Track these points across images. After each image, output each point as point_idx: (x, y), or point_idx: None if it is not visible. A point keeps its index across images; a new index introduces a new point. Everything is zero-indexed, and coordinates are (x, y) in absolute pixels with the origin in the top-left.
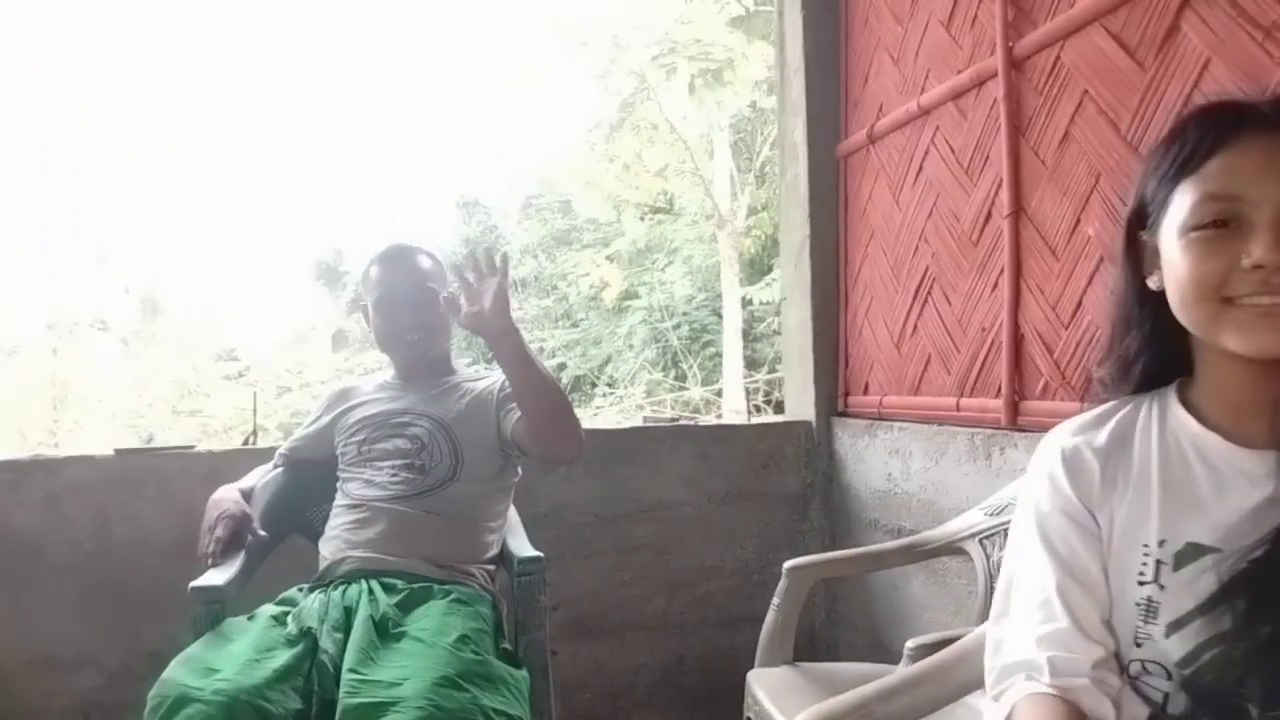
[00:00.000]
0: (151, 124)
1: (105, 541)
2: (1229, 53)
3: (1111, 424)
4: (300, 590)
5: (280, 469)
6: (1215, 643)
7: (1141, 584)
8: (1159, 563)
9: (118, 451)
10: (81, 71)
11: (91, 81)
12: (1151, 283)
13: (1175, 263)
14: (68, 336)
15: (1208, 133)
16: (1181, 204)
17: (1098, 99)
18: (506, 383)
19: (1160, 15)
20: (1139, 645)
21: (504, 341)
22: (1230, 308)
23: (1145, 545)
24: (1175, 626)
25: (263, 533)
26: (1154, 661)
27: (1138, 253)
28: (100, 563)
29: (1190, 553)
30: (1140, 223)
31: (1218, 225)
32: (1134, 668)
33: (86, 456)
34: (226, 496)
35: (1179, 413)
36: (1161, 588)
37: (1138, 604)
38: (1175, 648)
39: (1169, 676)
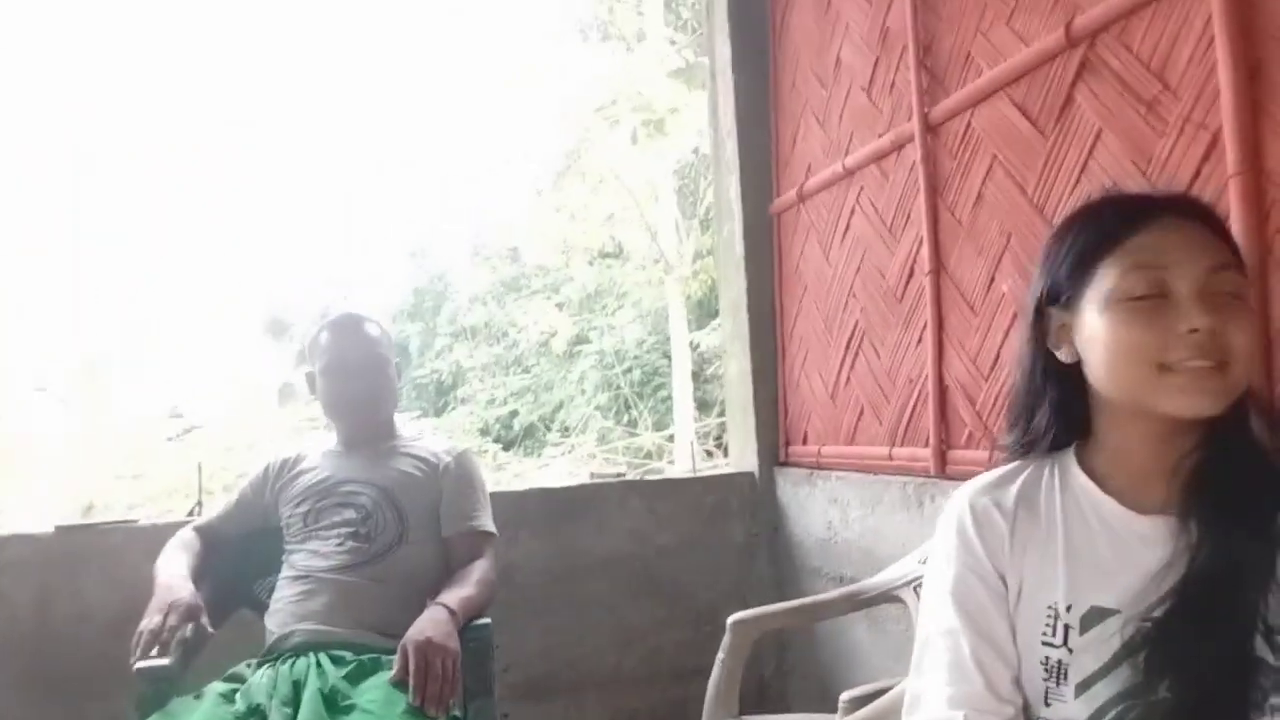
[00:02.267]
0: (96, 171)
1: (46, 619)
2: (1117, 123)
3: (1016, 485)
4: (248, 665)
5: (212, 542)
6: (1118, 701)
7: (1047, 644)
8: (1067, 627)
9: (58, 528)
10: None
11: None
12: (1062, 355)
13: (1104, 333)
14: (4, 398)
15: (1128, 214)
16: (1107, 276)
17: (1005, 163)
18: (450, 472)
19: (1056, 87)
20: (1048, 705)
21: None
22: (1167, 373)
23: (1050, 607)
24: (1083, 687)
25: (211, 630)
26: None
27: (1044, 328)
28: (40, 641)
29: (1094, 616)
30: (1052, 300)
31: (1149, 296)
32: None
33: (26, 535)
34: (179, 584)
35: (1080, 478)
36: (1070, 651)
37: (1044, 664)
38: (1082, 709)
39: None
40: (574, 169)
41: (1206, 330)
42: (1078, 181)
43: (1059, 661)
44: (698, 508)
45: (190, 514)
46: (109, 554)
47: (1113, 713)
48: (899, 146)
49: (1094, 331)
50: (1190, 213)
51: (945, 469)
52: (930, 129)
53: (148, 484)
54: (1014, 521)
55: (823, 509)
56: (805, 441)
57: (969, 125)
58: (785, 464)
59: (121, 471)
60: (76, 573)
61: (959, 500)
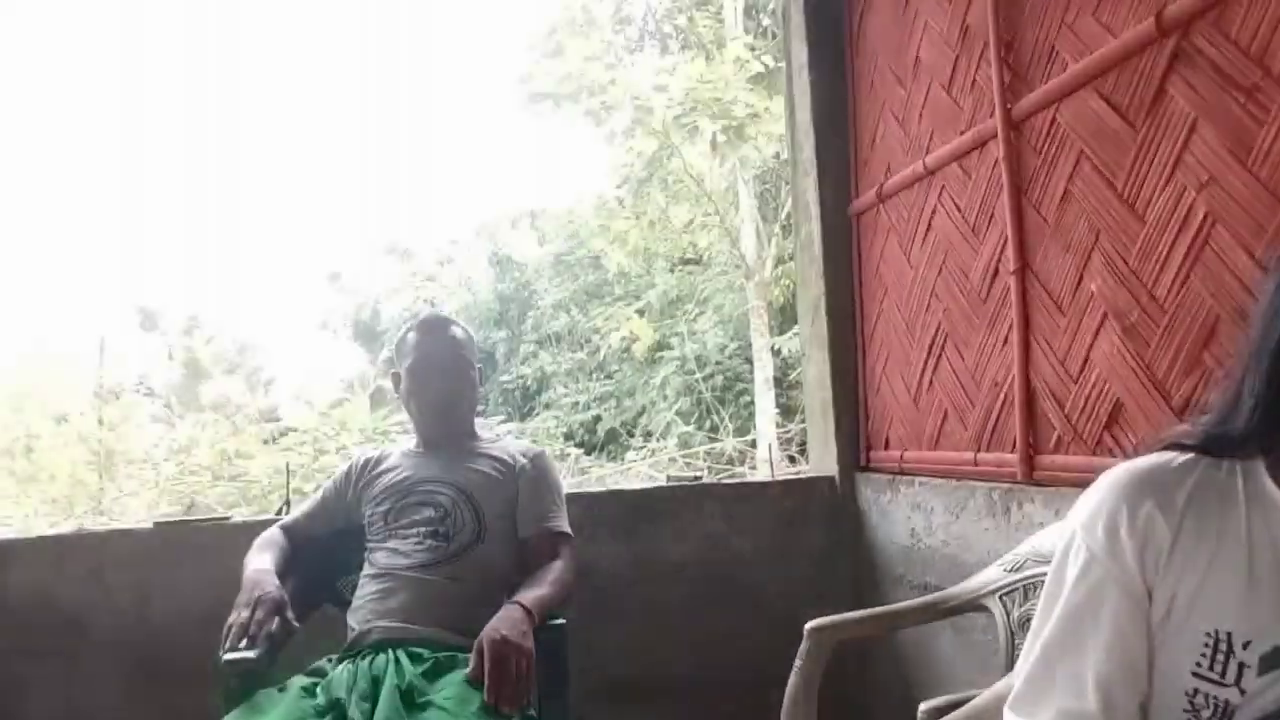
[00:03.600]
0: (190, 185)
1: (145, 614)
2: (1214, 113)
3: (1189, 485)
4: (329, 661)
5: (298, 540)
6: None
7: (1202, 677)
8: (1242, 665)
9: (156, 524)
10: (116, 133)
11: (127, 142)
12: None
13: None
14: (113, 402)
15: None
16: None
17: (1093, 158)
18: (526, 473)
19: (1147, 79)
20: None
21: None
22: None
23: (1210, 635)
24: None
25: (296, 624)
26: None
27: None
28: (140, 635)
29: (1276, 657)
30: None
31: None
32: None
33: (127, 530)
34: (265, 579)
35: (1272, 492)
36: (1242, 692)
37: (1192, 696)
38: None
39: None
40: (655, 176)
41: None
42: (1171, 175)
43: (1224, 701)
44: (776, 513)
45: (278, 513)
46: (203, 550)
47: None
48: (981, 144)
49: None
50: None
51: (1033, 475)
52: (1013, 125)
53: (246, 485)
54: (1179, 531)
55: (905, 515)
56: (887, 446)
57: (1054, 120)
58: (866, 469)
59: (221, 472)
60: (173, 568)
61: (1114, 490)
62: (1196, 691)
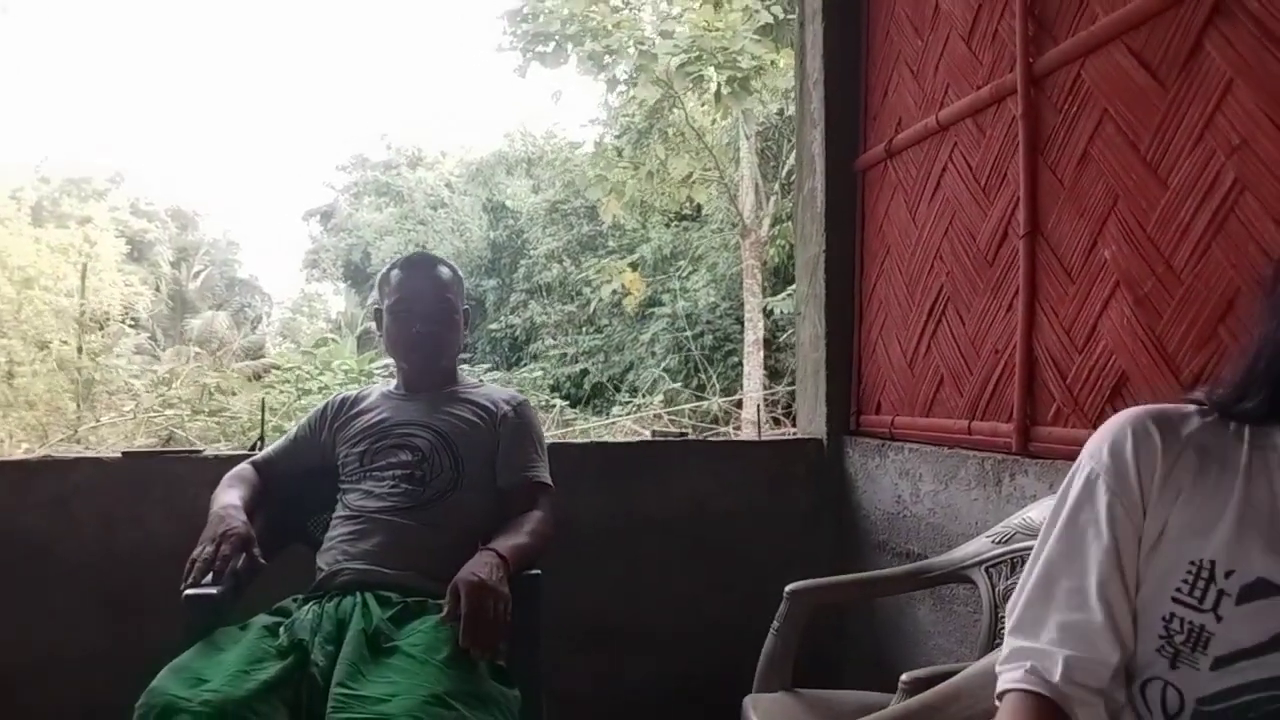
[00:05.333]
0: (190, 119)
1: (111, 544)
2: (1253, 73)
3: (1193, 426)
4: (295, 601)
5: (269, 477)
6: (1260, 688)
7: (1180, 602)
8: (1221, 592)
9: (125, 454)
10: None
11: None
12: None
13: None
14: (97, 332)
15: None
16: None
17: (1117, 118)
18: (508, 422)
19: (1183, 34)
20: (1175, 668)
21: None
22: None
23: (1194, 563)
24: (1224, 661)
25: (263, 560)
26: (1175, 687)
27: None
28: (106, 565)
29: (1259, 588)
30: None
31: None
32: (1153, 686)
33: (95, 458)
34: (232, 515)
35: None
36: (1219, 619)
37: (1167, 621)
38: (1215, 682)
39: (1182, 707)
40: (656, 128)
41: None
42: (1199, 138)
43: (1199, 627)
44: (761, 473)
45: (252, 449)
46: (173, 482)
47: (1252, 696)
48: (999, 99)
49: None
50: None
51: (1028, 446)
52: (1034, 81)
53: (227, 420)
54: (1176, 460)
55: (893, 481)
56: (878, 410)
57: (1078, 77)
58: (855, 433)
59: (201, 407)
60: (142, 500)
61: (1120, 420)
62: (1173, 616)
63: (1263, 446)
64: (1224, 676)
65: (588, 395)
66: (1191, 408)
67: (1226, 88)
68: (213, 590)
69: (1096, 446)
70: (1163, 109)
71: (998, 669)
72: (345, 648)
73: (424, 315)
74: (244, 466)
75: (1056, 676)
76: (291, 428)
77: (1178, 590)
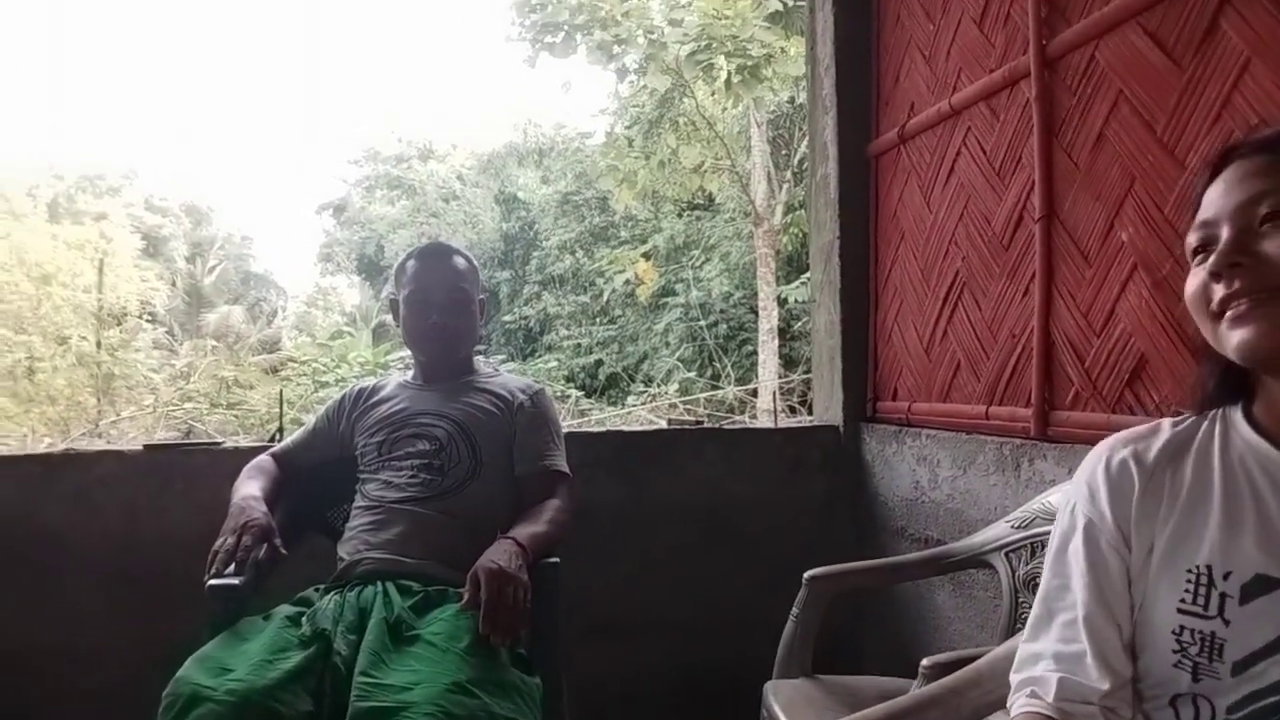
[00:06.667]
0: (208, 111)
1: (132, 535)
2: (1270, 51)
3: (1164, 438)
4: (317, 590)
5: (288, 468)
6: None
7: (1187, 613)
8: (1224, 596)
9: (146, 447)
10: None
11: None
12: None
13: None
14: (114, 326)
15: (1204, 172)
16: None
17: (1133, 99)
18: (524, 411)
19: (1199, 13)
20: (1197, 681)
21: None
22: (1218, 321)
23: (1191, 571)
24: (1243, 666)
25: (284, 550)
26: (1205, 698)
27: None
28: (127, 556)
29: (1259, 585)
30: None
31: (1200, 249)
32: (1184, 702)
33: (116, 451)
34: (253, 506)
35: (1246, 433)
36: (1226, 623)
37: (1178, 635)
38: (1236, 688)
39: (1214, 718)
40: (666, 117)
41: (1225, 268)
42: (1217, 118)
43: (1210, 634)
44: (777, 460)
45: (271, 440)
46: (193, 475)
47: (1274, 699)
48: (1012, 83)
49: None
50: (1268, 146)
51: (1047, 431)
52: (1048, 63)
53: (245, 414)
54: (1149, 477)
55: (910, 468)
56: (895, 397)
57: (1092, 58)
58: (872, 420)
59: (221, 400)
60: (162, 492)
61: (1098, 450)
62: (1182, 629)
63: (1234, 447)
64: (1245, 682)
65: (603, 386)
66: (1165, 420)
67: (1244, 67)
68: (235, 580)
69: (1077, 480)
70: (1179, 89)
71: (1011, 678)
72: (367, 636)
73: (440, 305)
74: (263, 458)
75: (1051, 697)
76: (310, 419)
77: (1181, 601)
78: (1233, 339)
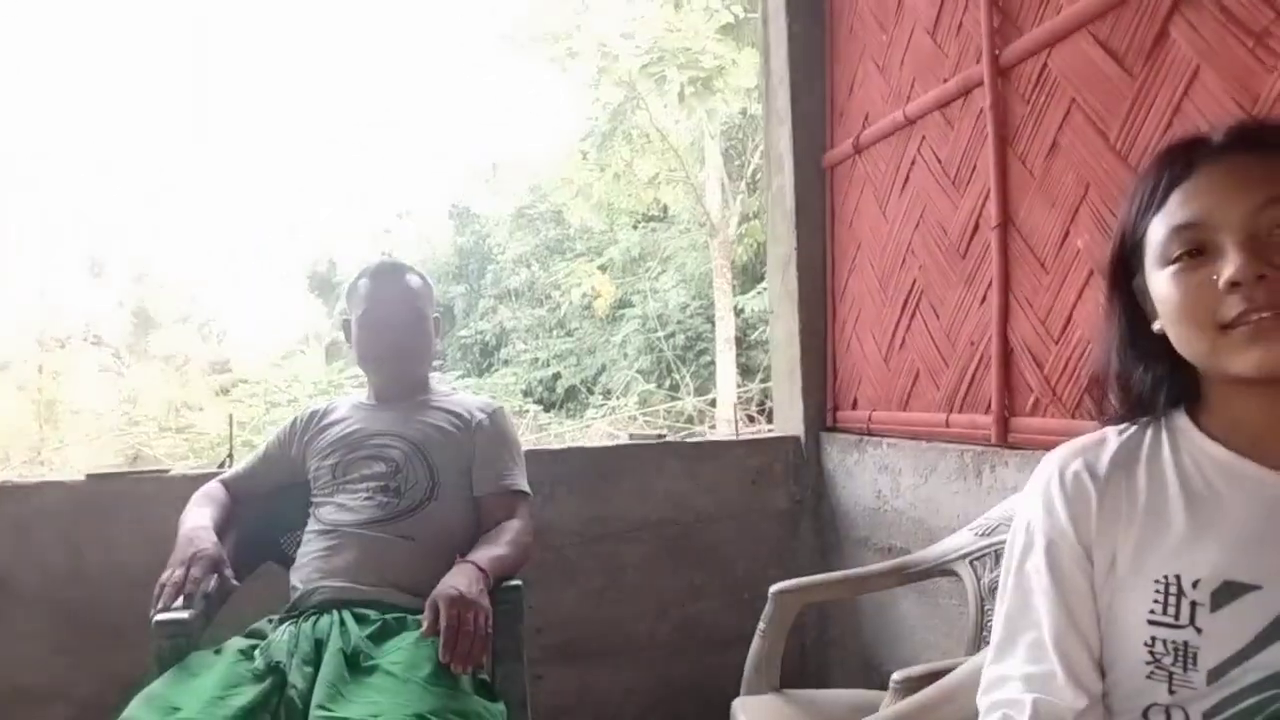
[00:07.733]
0: (143, 134)
1: (77, 568)
2: (1219, 60)
3: (1113, 448)
4: (270, 622)
5: (239, 495)
6: (1258, 689)
7: (1158, 623)
8: (1194, 604)
9: (89, 476)
10: (72, 81)
11: (82, 91)
12: (1155, 326)
13: (1165, 299)
14: (58, 351)
15: (1167, 169)
16: (1154, 240)
17: (1085, 107)
18: (483, 430)
19: (1148, 21)
20: (1173, 693)
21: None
22: (1227, 334)
23: (1159, 581)
24: (1217, 673)
25: (235, 581)
26: (1179, 707)
27: (1133, 298)
28: (72, 590)
29: (1227, 591)
30: (1126, 260)
31: (1191, 255)
32: (1155, 712)
33: (57, 482)
34: (202, 535)
35: (1198, 439)
36: (1199, 631)
37: (1150, 645)
38: (1211, 695)
39: None
40: (620, 130)
41: (1250, 280)
42: (1169, 125)
43: (1183, 644)
44: (740, 472)
45: (221, 466)
46: (140, 504)
47: (1254, 699)
48: (966, 92)
49: (1159, 299)
50: (1251, 143)
51: (1008, 437)
52: (1001, 72)
53: (195, 436)
54: (1105, 488)
55: (872, 477)
56: (855, 406)
57: (1045, 67)
58: (833, 429)
59: (169, 423)
60: (108, 522)
61: (1048, 465)
62: (1154, 639)
63: (1186, 452)
64: (1221, 687)
65: (561, 399)
66: (1109, 429)
67: (1194, 74)
68: (184, 614)
69: (1029, 491)
70: (1131, 97)
71: (979, 701)
72: (324, 668)
73: (394, 325)
74: (213, 485)
75: (1026, 718)
76: (261, 443)
77: (1151, 612)
78: (1251, 354)
